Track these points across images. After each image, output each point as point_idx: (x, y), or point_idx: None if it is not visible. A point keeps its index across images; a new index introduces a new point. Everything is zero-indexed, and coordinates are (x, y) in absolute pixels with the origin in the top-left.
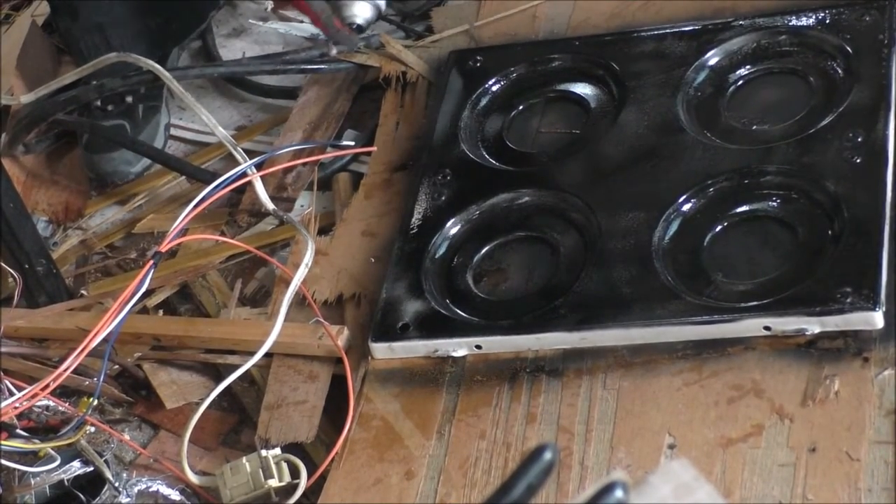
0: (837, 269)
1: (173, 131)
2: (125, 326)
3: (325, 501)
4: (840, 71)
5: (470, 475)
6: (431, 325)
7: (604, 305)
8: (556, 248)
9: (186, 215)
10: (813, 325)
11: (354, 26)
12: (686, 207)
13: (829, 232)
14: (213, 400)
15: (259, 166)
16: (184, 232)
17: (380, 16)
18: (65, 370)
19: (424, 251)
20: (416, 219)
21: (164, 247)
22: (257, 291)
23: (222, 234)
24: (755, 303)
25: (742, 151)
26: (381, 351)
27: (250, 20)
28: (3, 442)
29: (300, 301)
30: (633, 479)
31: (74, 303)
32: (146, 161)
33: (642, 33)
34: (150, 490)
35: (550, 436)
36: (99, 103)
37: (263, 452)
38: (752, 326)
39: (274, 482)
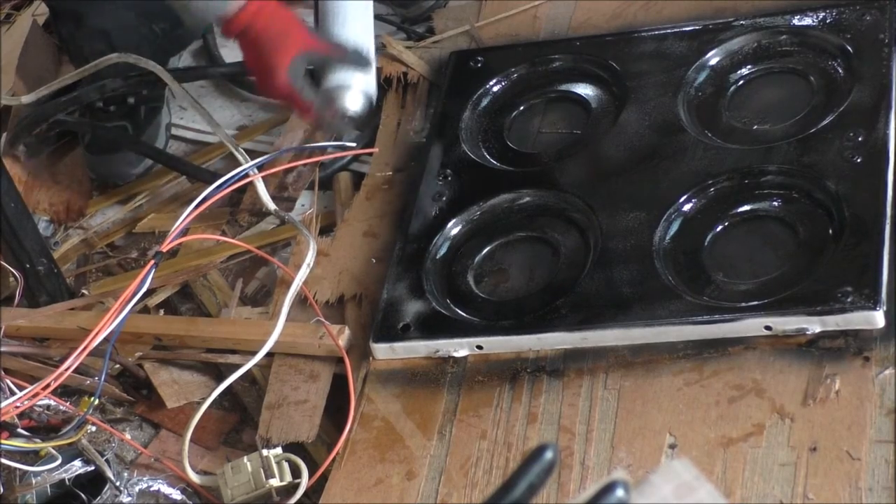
0: (838, 269)
1: (174, 131)
2: (126, 326)
3: (326, 502)
4: (841, 70)
5: (471, 475)
6: (432, 326)
7: (605, 305)
8: (557, 248)
9: (188, 215)
10: (814, 325)
11: (346, 118)
12: (687, 207)
13: (830, 231)
14: (215, 399)
15: (260, 166)
16: (185, 231)
17: (372, 107)
18: (66, 369)
19: (425, 252)
20: (416, 219)
21: (166, 246)
22: (258, 291)
23: (223, 233)
24: (756, 302)
25: (743, 151)
26: (383, 351)
27: None
28: (4, 441)
29: (301, 301)
30: (634, 478)
31: (75, 302)
32: (148, 162)
33: (643, 33)
34: (152, 489)
35: (551, 436)
36: (101, 104)
37: (265, 452)
38: (752, 326)
39: (275, 482)
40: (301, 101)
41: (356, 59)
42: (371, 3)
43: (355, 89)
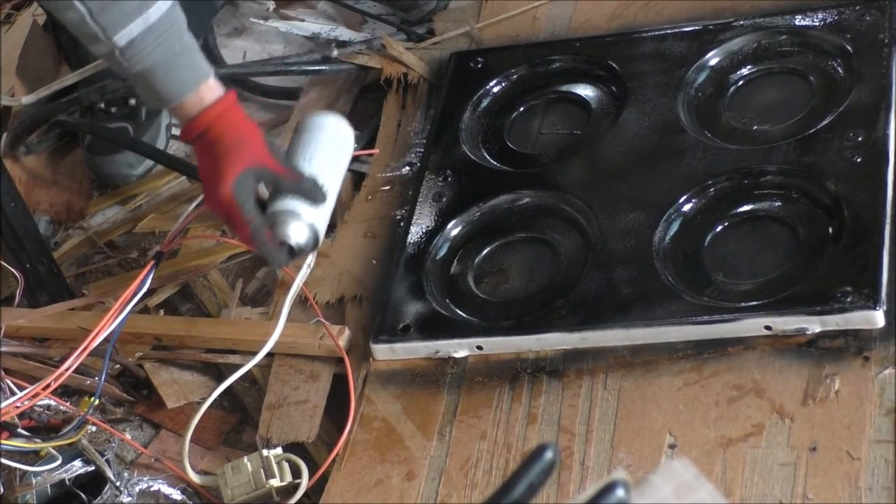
0: (838, 269)
1: (175, 131)
2: (126, 326)
3: (326, 502)
4: (840, 70)
5: (471, 476)
6: (432, 326)
7: (604, 306)
8: (557, 248)
9: (188, 216)
10: (813, 325)
11: (286, 247)
12: (687, 208)
13: (830, 231)
14: (215, 399)
15: None
16: (185, 232)
17: (316, 246)
18: (66, 370)
19: (426, 252)
20: (416, 220)
21: (166, 247)
22: (258, 291)
23: (223, 233)
24: (755, 302)
25: (742, 151)
26: (383, 352)
27: (251, 19)
28: (4, 441)
29: (301, 301)
30: (634, 479)
31: (76, 302)
32: (148, 163)
33: (643, 34)
34: (152, 489)
35: (551, 436)
36: (102, 105)
37: (265, 452)
38: (752, 326)
39: (275, 482)
40: (239, 215)
41: (311, 190)
42: (349, 156)
43: (303, 220)
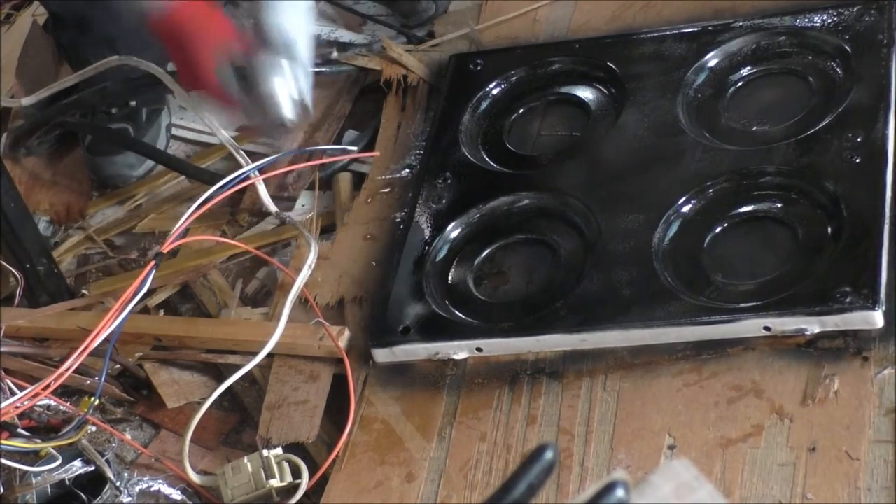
0: (837, 269)
1: (175, 131)
2: (126, 326)
3: (326, 503)
4: (839, 71)
5: (471, 477)
6: (432, 328)
7: (604, 307)
8: (557, 250)
9: (189, 216)
10: (812, 325)
11: (278, 117)
12: (686, 209)
13: (829, 232)
14: (215, 399)
15: (261, 168)
16: (185, 232)
17: (309, 111)
18: (66, 370)
19: (425, 254)
20: (416, 222)
21: (166, 247)
22: (258, 291)
23: (223, 234)
24: (755, 303)
25: (742, 152)
26: (383, 354)
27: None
28: (4, 441)
29: (301, 302)
30: (634, 480)
31: (76, 302)
32: (149, 164)
33: (642, 35)
34: (152, 490)
35: (551, 437)
36: (103, 106)
37: (265, 452)
38: (751, 327)
39: (275, 482)
40: (223, 94)
41: (285, 56)
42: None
43: (285, 97)
